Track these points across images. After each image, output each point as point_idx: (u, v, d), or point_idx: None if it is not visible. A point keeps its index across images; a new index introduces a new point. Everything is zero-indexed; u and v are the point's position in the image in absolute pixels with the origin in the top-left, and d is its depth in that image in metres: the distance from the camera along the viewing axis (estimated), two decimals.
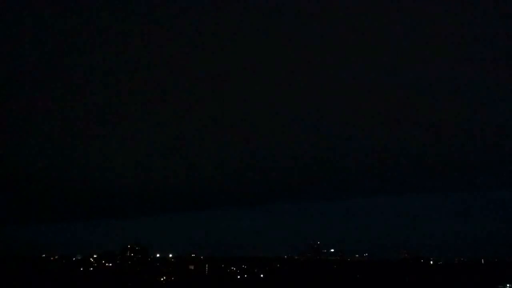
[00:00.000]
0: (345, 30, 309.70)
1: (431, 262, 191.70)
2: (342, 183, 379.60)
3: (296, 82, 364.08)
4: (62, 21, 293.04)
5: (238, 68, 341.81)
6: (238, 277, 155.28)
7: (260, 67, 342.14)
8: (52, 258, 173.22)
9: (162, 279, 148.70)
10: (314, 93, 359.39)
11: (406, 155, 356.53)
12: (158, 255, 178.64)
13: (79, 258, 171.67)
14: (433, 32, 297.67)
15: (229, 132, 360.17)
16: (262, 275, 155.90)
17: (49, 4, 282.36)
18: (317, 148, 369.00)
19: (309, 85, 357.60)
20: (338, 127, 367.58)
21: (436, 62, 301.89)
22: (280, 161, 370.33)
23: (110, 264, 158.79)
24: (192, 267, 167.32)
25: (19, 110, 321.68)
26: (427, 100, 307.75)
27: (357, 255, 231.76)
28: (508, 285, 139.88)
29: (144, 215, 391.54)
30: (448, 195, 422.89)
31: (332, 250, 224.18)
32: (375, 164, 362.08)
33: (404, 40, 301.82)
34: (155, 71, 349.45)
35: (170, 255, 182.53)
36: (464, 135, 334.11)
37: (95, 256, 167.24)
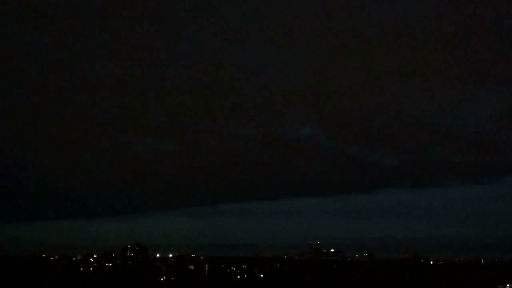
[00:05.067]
0: None
1: (431, 262, 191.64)
2: (341, 180, 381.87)
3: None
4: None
5: (246, 64, 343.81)
6: (238, 277, 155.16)
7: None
8: (52, 258, 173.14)
9: (162, 279, 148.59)
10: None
11: (404, 150, 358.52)
12: (158, 255, 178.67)
13: (79, 258, 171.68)
14: None
15: (224, 128, 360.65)
16: (262, 275, 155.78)
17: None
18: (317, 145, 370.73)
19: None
20: (336, 123, 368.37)
21: None
22: (280, 159, 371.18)
23: (110, 264, 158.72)
24: (192, 267, 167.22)
25: (20, 110, 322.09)
26: None
27: (357, 255, 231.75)
28: (508, 285, 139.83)
29: (144, 215, 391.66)
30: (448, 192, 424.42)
31: (332, 250, 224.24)
32: (375, 162, 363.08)
33: None
34: (153, 72, 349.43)
35: (170, 255, 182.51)
36: None
37: (95, 256, 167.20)
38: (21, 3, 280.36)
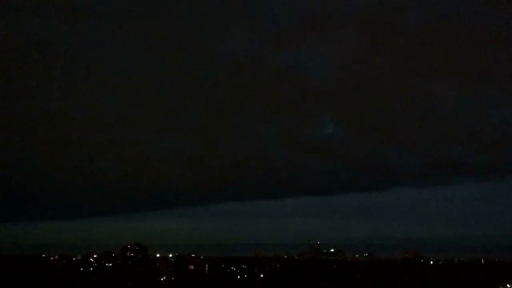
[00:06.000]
0: None
1: (431, 262, 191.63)
2: (353, 179, 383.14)
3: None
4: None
5: (276, 65, 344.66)
6: (238, 277, 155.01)
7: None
8: (52, 258, 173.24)
9: (162, 279, 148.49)
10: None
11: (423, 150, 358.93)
12: (158, 255, 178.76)
13: (79, 258, 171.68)
14: None
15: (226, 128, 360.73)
16: (262, 275, 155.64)
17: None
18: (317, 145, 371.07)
19: None
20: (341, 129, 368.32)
21: None
22: (294, 159, 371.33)
23: (110, 264, 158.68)
24: (192, 267, 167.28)
25: (21, 111, 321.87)
26: None
27: (357, 255, 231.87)
28: (508, 285, 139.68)
29: (144, 215, 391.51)
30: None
31: (332, 250, 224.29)
32: (391, 161, 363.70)
33: None
34: (156, 74, 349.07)
35: (170, 255, 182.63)
36: None
37: (95, 256, 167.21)
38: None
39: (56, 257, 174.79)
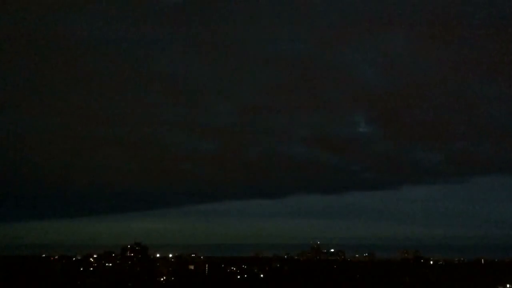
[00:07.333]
0: None
1: (431, 262, 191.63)
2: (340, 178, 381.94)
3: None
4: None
5: (324, 65, 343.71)
6: (238, 277, 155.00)
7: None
8: (52, 258, 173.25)
9: (162, 279, 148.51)
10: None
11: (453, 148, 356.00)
12: (158, 255, 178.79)
13: (79, 258, 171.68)
14: None
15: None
16: (262, 275, 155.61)
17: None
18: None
19: None
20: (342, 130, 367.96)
21: None
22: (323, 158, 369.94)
23: (110, 264, 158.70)
24: (192, 267, 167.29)
25: (22, 111, 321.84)
26: None
27: (357, 255, 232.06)
28: (508, 285, 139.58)
29: (144, 215, 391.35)
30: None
31: (332, 250, 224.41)
32: (418, 158, 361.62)
33: None
34: (194, 73, 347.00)
35: (170, 255, 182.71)
36: None
37: (95, 256, 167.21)
38: None
39: (56, 257, 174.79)
